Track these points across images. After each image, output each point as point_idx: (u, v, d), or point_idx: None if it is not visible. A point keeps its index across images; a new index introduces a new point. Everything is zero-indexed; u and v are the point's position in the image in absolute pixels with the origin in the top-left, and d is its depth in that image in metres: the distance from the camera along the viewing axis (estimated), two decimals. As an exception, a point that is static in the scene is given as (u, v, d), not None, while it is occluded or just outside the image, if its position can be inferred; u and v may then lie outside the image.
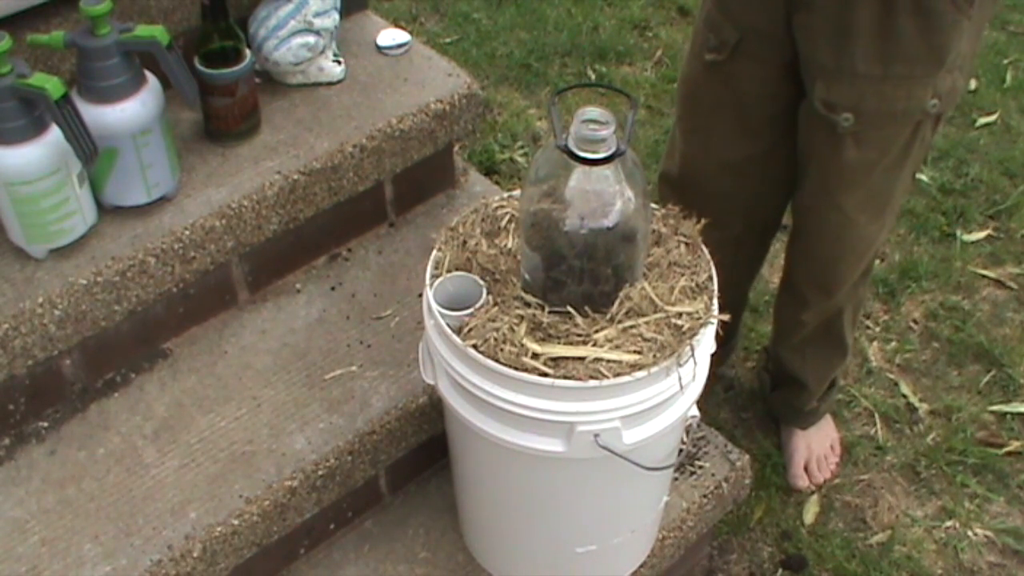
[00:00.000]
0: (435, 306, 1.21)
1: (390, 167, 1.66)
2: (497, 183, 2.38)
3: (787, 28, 1.52)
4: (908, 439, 2.12)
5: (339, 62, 1.68)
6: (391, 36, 1.77)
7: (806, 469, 2.04)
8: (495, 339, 1.17)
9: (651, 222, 1.27)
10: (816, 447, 2.05)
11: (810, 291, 1.84)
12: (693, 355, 1.19)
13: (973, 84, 2.95)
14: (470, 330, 1.19)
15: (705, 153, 1.74)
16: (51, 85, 1.27)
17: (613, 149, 1.12)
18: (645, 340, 1.18)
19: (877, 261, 2.42)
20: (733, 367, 2.23)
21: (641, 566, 1.55)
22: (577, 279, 1.19)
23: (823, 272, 1.79)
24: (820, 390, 2.00)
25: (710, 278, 1.27)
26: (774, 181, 1.77)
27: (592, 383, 1.15)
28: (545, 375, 1.15)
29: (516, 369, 1.15)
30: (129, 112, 1.39)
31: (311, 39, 1.61)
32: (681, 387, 1.21)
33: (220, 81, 1.50)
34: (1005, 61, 3.04)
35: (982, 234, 2.52)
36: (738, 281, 1.99)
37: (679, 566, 1.71)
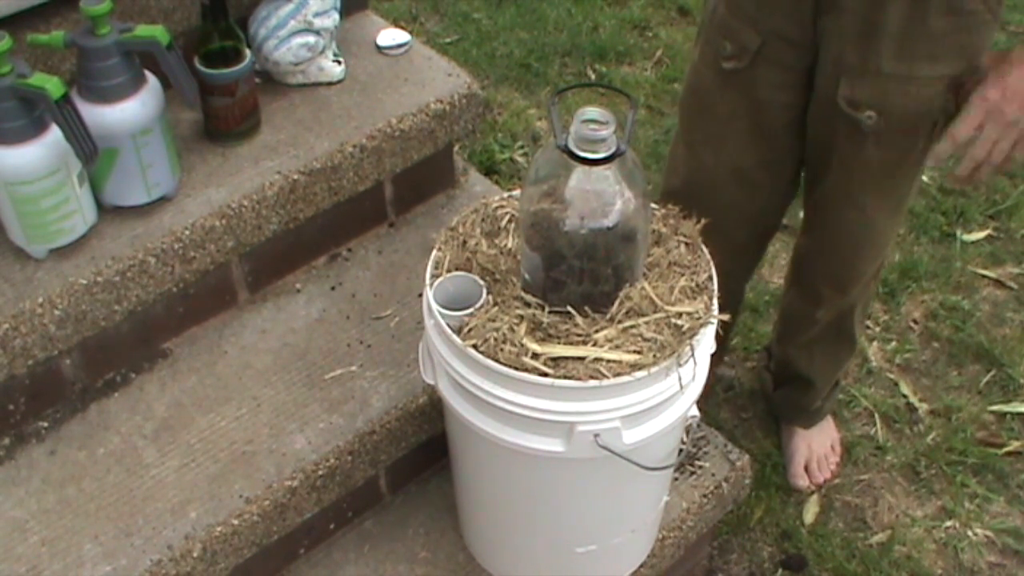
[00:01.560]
0: (435, 306, 1.21)
1: (390, 167, 1.66)
2: (497, 183, 2.38)
3: (811, 31, 1.51)
4: (908, 439, 2.12)
5: (339, 62, 1.68)
6: (391, 36, 1.77)
7: (806, 469, 2.04)
8: (495, 339, 1.17)
9: (651, 222, 1.27)
10: (816, 447, 2.05)
11: (825, 289, 1.84)
12: (693, 355, 1.19)
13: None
14: (470, 330, 1.19)
15: (716, 164, 1.72)
16: (51, 85, 1.27)
17: (613, 149, 1.12)
18: (645, 340, 1.18)
19: (877, 261, 2.43)
20: (733, 367, 2.23)
21: (641, 566, 1.55)
22: (577, 279, 1.19)
23: (839, 269, 1.79)
24: (827, 387, 2.00)
25: (710, 278, 1.27)
26: (780, 191, 1.77)
27: (592, 383, 1.15)
28: (545, 375, 1.15)
29: (516, 369, 1.15)
30: (129, 112, 1.39)
31: (311, 39, 1.61)
32: (681, 387, 1.21)
33: (220, 81, 1.50)
34: (1005, 61, 3.04)
35: (982, 234, 2.52)
36: (736, 285, 1.99)
37: (679, 566, 1.71)
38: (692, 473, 1.63)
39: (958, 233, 2.51)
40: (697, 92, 1.72)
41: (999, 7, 1.45)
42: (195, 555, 1.34)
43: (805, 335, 1.94)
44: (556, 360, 1.17)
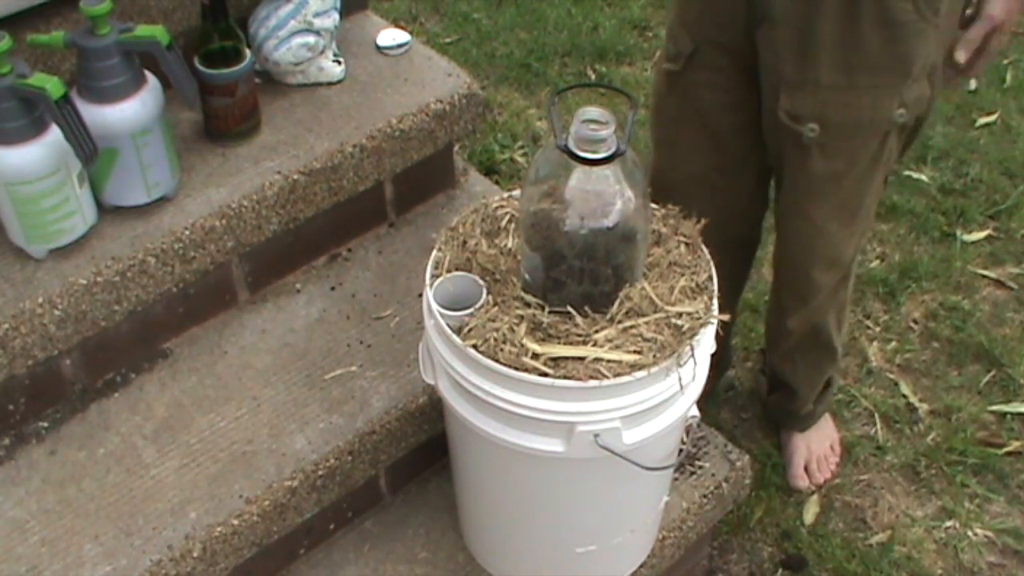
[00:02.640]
0: (435, 306, 1.21)
1: (390, 167, 1.66)
2: (497, 183, 2.37)
3: (747, 40, 1.51)
4: (908, 439, 2.12)
5: (339, 62, 1.68)
6: (391, 36, 1.77)
7: (806, 470, 2.04)
8: (495, 339, 1.17)
9: (651, 222, 1.27)
10: (816, 448, 2.05)
11: (788, 298, 1.83)
12: (693, 355, 1.19)
13: (973, 84, 2.95)
14: (470, 330, 1.19)
15: (672, 166, 1.74)
16: (51, 85, 1.27)
17: (613, 149, 1.12)
18: (645, 340, 1.18)
19: (877, 261, 2.43)
20: (733, 367, 2.23)
21: (641, 566, 1.55)
22: (577, 279, 1.19)
23: (797, 279, 1.78)
24: (813, 394, 1.99)
25: (710, 278, 1.27)
26: (744, 196, 1.76)
27: (592, 383, 1.15)
28: (545, 375, 1.15)
29: (516, 369, 1.15)
30: (129, 112, 1.39)
31: (311, 39, 1.61)
32: (681, 387, 1.21)
33: (220, 81, 1.50)
34: (1005, 61, 3.04)
35: (982, 234, 2.52)
36: (722, 299, 1.97)
37: (679, 566, 1.71)
38: (692, 473, 1.63)
39: (958, 233, 2.51)
40: (654, 93, 1.75)
41: (935, 16, 1.43)
42: (195, 555, 1.34)
43: (784, 344, 1.93)
44: (556, 360, 1.17)
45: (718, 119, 1.64)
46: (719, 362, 2.11)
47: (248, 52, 1.52)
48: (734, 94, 1.60)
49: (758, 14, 1.47)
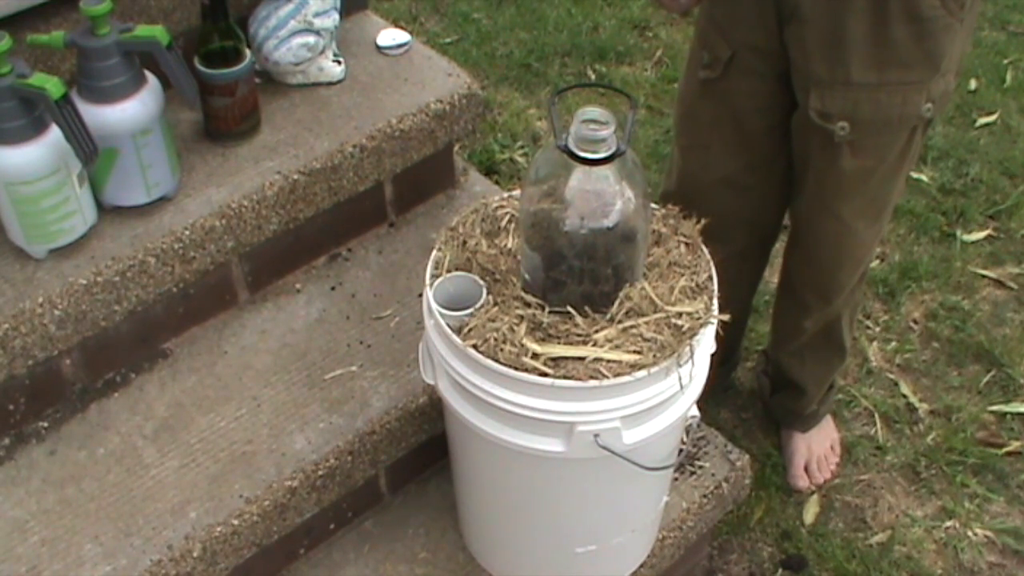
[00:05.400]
0: (435, 306, 1.21)
1: (390, 167, 1.66)
2: (497, 183, 2.37)
3: (780, 40, 1.52)
4: (908, 439, 2.12)
5: (339, 62, 1.68)
6: (391, 36, 1.77)
7: (806, 470, 2.04)
8: (495, 339, 1.17)
9: (651, 222, 1.27)
10: (816, 448, 2.05)
11: (810, 298, 1.84)
12: (693, 355, 1.19)
13: (973, 84, 2.95)
14: (470, 330, 1.19)
15: (704, 169, 1.74)
16: (51, 85, 1.27)
17: (613, 149, 1.12)
18: (645, 340, 1.18)
19: (877, 261, 2.43)
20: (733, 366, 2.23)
21: (641, 566, 1.55)
22: (577, 279, 1.19)
23: (823, 279, 1.79)
24: (820, 393, 2.00)
25: (710, 278, 1.27)
26: (773, 192, 1.77)
27: (592, 383, 1.15)
28: (545, 375, 1.15)
29: (516, 369, 1.15)
30: (129, 112, 1.39)
31: (311, 39, 1.61)
32: (681, 387, 1.21)
33: (220, 81, 1.50)
34: (1005, 61, 3.04)
35: (982, 234, 2.52)
36: (742, 296, 1.98)
37: (679, 566, 1.71)
38: (692, 473, 1.63)
39: (958, 233, 2.51)
40: (684, 100, 1.74)
41: (961, 10, 1.44)
42: (195, 555, 1.34)
43: (795, 343, 1.94)
44: (556, 360, 1.17)
45: (753, 121, 1.64)
46: (728, 358, 2.13)
47: (248, 52, 1.52)
48: (770, 98, 1.60)
49: (786, 12, 1.47)
